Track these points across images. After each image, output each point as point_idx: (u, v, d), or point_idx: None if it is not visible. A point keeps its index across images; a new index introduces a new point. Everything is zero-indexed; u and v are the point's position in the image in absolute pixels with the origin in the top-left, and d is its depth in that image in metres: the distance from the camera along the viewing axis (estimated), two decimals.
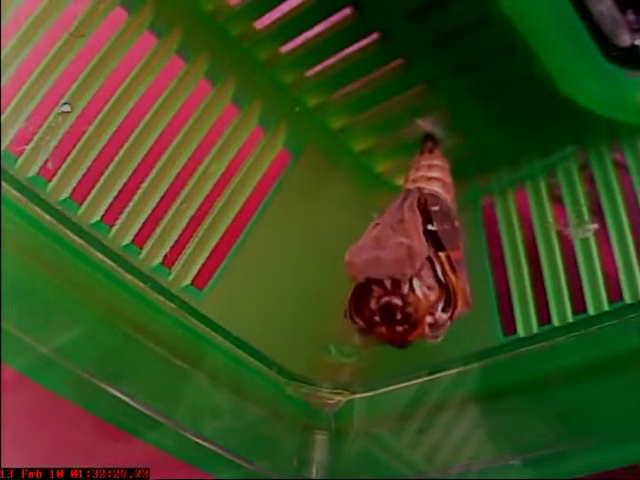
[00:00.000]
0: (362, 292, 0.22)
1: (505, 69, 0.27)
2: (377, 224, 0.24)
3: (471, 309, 0.24)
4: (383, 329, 0.22)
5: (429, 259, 0.22)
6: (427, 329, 0.22)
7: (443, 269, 0.23)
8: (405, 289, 0.21)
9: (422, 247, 0.22)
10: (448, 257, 0.23)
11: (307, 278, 0.29)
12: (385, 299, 0.21)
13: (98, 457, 0.27)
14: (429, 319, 0.22)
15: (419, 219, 0.24)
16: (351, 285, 0.23)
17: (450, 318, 0.22)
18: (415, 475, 0.24)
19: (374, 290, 0.21)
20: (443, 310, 0.22)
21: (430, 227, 0.24)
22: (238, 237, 0.28)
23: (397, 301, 0.21)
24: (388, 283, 0.21)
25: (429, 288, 0.22)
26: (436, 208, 0.25)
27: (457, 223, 0.25)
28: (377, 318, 0.21)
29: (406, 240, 0.21)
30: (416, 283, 0.21)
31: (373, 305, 0.21)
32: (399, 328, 0.21)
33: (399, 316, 0.21)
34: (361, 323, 0.22)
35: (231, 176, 0.28)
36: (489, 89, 0.29)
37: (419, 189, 0.26)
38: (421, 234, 0.23)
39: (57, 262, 0.23)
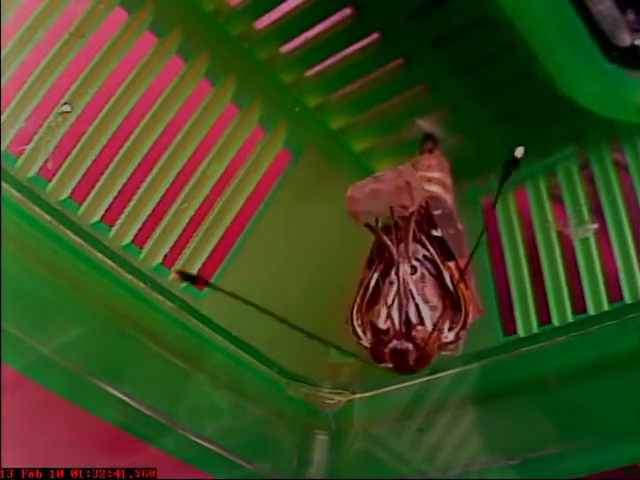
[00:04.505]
0: (366, 302, 0.22)
1: (505, 69, 0.27)
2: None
3: (482, 315, 0.23)
4: (394, 366, 0.21)
5: (438, 272, 0.22)
6: (438, 353, 0.21)
7: (453, 280, 0.22)
8: (416, 326, 0.21)
9: (420, 186, 0.22)
10: (458, 268, 0.23)
11: (307, 278, 0.29)
12: (394, 343, 0.21)
13: (98, 457, 0.27)
14: (437, 344, 0.21)
15: (415, 172, 0.23)
16: (352, 286, 0.23)
17: (463, 327, 0.22)
18: (415, 475, 0.24)
19: (383, 337, 0.21)
20: (449, 329, 0.22)
21: (435, 233, 0.23)
22: (238, 237, 0.28)
23: (407, 345, 0.21)
24: (396, 324, 0.21)
25: (434, 309, 0.22)
26: (438, 212, 0.25)
27: (460, 226, 0.25)
28: (390, 365, 0.21)
29: (405, 178, 0.21)
30: (424, 309, 0.21)
31: (382, 349, 0.21)
32: (411, 364, 0.21)
33: (411, 359, 0.21)
34: (370, 356, 0.22)
35: (231, 176, 0.28)
36: (489, 89, 0.29)
37: None
38: (418, 179, 0.22)
39: (57, 262, 0.23)
